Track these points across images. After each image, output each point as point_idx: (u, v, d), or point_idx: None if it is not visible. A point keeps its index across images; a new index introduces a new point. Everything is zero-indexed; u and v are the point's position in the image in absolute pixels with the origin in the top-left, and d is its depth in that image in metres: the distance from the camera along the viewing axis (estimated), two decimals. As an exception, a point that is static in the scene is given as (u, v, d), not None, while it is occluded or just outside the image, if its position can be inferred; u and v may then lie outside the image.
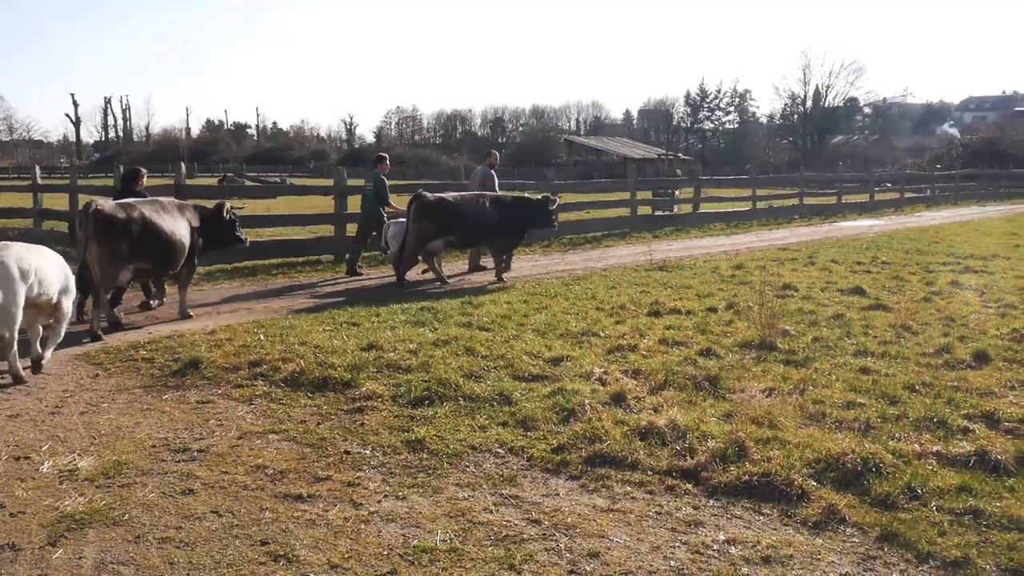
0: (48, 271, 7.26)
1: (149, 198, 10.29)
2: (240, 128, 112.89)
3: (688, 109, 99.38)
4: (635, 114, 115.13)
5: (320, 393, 6.69)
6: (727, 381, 6.93)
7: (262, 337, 8.38)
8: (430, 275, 13.29)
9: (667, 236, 21.13)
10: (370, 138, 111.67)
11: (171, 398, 6.68)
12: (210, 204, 10.84)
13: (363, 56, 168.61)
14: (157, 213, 9.61)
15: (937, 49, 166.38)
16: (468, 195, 13.36)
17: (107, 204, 9.32)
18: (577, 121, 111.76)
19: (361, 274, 13.96)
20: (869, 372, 7.29)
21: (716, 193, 28.47)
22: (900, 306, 10.15)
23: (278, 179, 56.57)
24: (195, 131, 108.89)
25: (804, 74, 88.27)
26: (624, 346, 8.14)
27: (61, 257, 7.68)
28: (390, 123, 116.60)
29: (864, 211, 30.66)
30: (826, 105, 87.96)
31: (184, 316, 10.04)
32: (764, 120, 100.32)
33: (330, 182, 16.70)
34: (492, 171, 15.27)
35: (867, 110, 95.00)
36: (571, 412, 6.10)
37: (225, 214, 10.80)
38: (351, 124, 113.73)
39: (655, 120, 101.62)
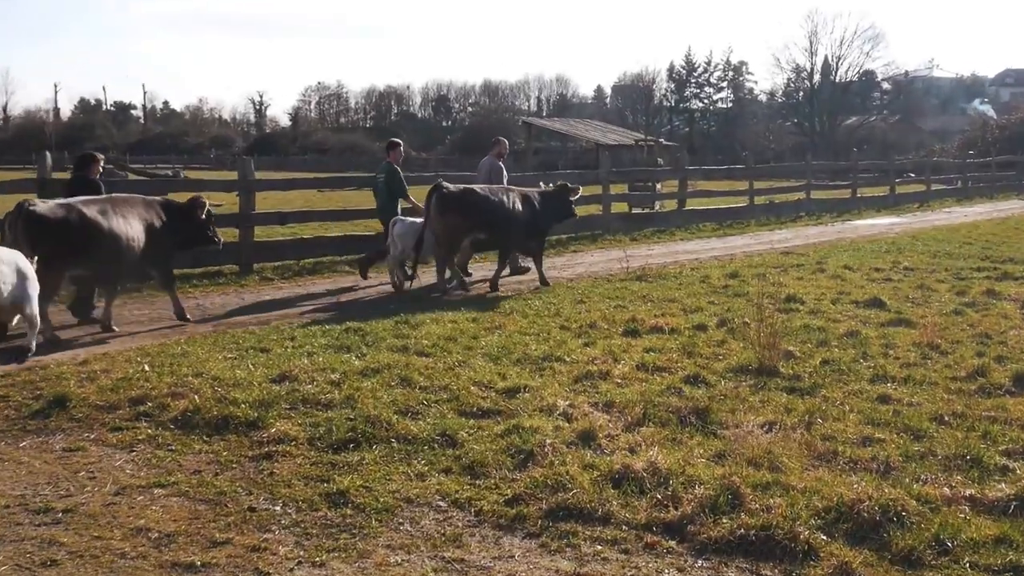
0: None
1: (104, 195, 10.75)
2: (123, 109, 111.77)
3: (672, 85, 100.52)
4: (608, 91, 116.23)
5: (219, 436, 6.61)
6: (719, 414, 6.97)
7: (147, 368, 8.26)
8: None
9: (647, 238, 21.30)
10: (285, 121, 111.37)
11: (30, 445, 6.54)
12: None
13: (276, 19, 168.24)
14: (104, 213, 9.92)
15: (968, 14, 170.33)
16: (495, 187, 13.81)
17: (43, 204, 9.67)
18: (538, 100, 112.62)
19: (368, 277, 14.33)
20: (889, 401, 7.39)
21: (706, 186, 28.78)
22: (926, 321, 10.32)
23: (170, 171, 56.00)
24: (66, 112, 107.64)
25: (810, 43, 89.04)
26: (594, 373, 8.16)
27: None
28: (309, 102, 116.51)
29: (883, 207, 31.23)
30: (837, 80, 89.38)
31: (107, 328, 10.38)
32: (763, 98, 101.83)
33: (234, 175, 16.56)
34: (500, 162, 15.78)
35: (886, 86, 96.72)
36: (529, 455, 6.09)
37: (201, 212, 11.24)
38: (261, 104, 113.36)
39: (632, 98, 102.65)
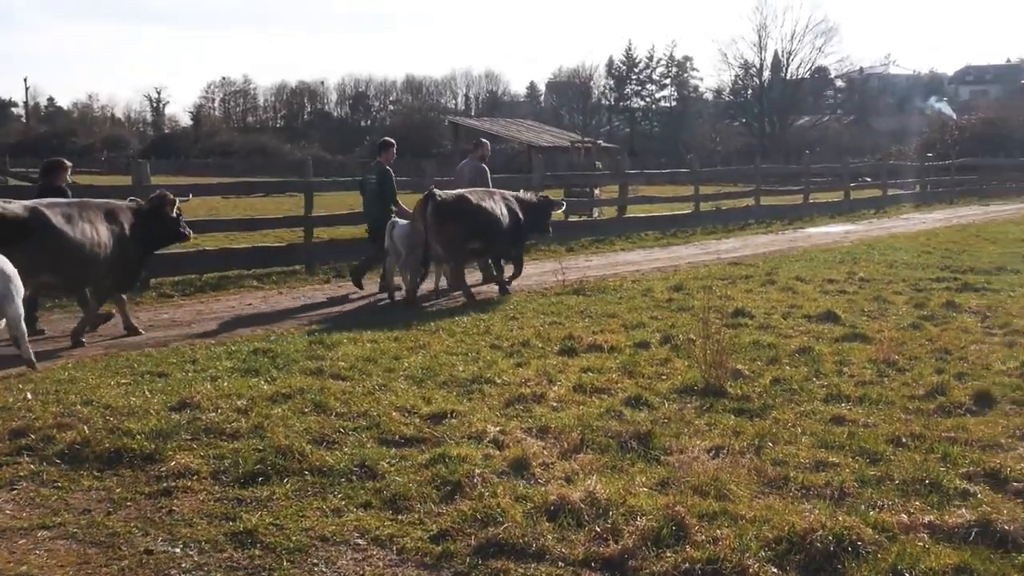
0: None
1: (69, 199, 11.32)
2: (2, 106, 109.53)
3: (611, 82, 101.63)
4: (542, 89, 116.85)
5: (111, 471, 6.51)
6: (662, 439, 7.04)
7: (29, 396, 8.11)
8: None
9: (585, 248, 21.44)
10: (185, 120, 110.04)
11: None
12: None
13: (176, 7, 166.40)
14: (69, 218, 10.51)
15: (927, 7, 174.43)
16: (482, 192, 14.43)
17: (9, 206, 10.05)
18: (466, 98, 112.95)
19: (363, 288, 14.98)
20: (844, 422, 7.53)
21: (648, 192, 29.17)
22: (883, 336, 10.54)
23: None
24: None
25: (760, 37, 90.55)
26: (528, 396, 8.20)
27: None
28: (212, 100, 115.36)
29: (837, 213, 31.81)
30: (788, 77, 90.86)
31: (76, 344, 10.88)
32: (710, 96, 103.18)
33: (128, 180, 16.34)
34: (484, 165, 16.47)
35: (840, 83, 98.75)
36: (456, 486, 6.10)
37: (172, 210, 12.05)
38: (159, 101, 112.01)
39: (568, 97, 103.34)
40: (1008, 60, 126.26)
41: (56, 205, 10.59)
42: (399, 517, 5.75)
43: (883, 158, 57.93)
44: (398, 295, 13.98)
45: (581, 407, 7.93)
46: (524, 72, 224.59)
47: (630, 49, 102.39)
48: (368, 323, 11.74)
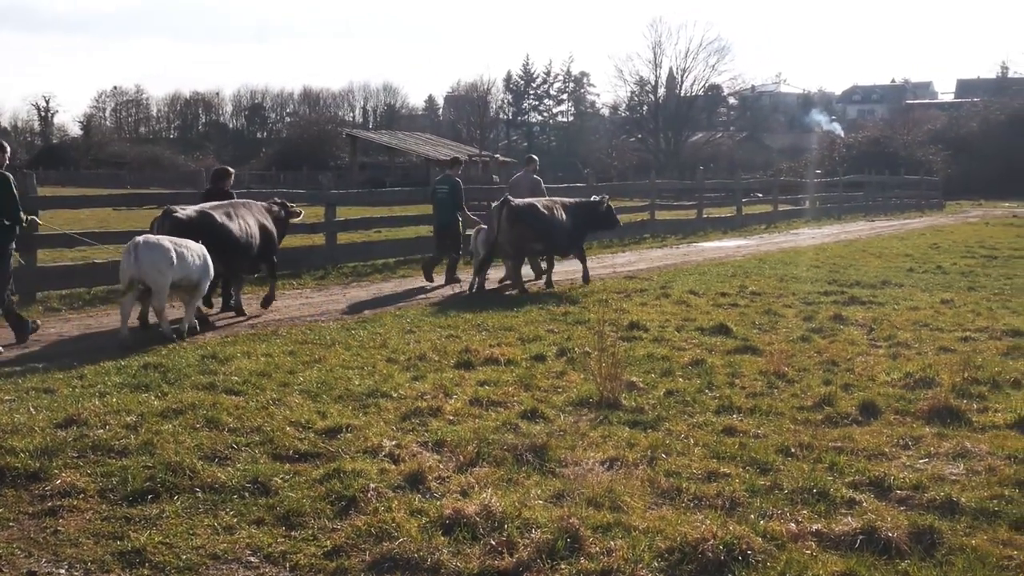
0: None
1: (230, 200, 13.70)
2: None
3: (509, 96, 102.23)
4: (441, 102, 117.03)
5: (-7, 490, 6.31)
6: (558, 451, 7.08)
7: (-93, 413, 7.82)
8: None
9: (483, 262, 21.42)
10: (75, 129, 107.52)
11: None
12: None
13: (64, 14, 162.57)
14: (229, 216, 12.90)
15: (816, 29, 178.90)
16: (547, 201, 16.79)
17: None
18: (364, 110, 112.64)
19: (432, 281, 16.83)
20: (735, 433, 7.67)
21: (546, 206, 29.14)
22: (773, 348, 10.76)
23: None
24: None
25: (655, 54, 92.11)
26: (424, 409, 8.18)
27: None
28: (104, 109, 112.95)
29: (730, 228, 32.38)
30: (682, 94, 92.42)
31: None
32: (606, 112, 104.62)
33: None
34: (537, 176, 19.04)
35: (732, 101, 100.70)
36: (351, 501, 6.06)
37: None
38: (47, 110, 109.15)
39: (466, 110, 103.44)
40: (893, 80, 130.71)
41: (219, 207, 13.05)
42: (293, 533, 5.69)
43: (774, 174, 59.22)
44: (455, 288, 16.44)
45: (477, 420, 7.93)
46: (423, 85, 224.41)
47: (528, 64, 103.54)
48: (261, 338, 11.56)
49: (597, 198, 17.77)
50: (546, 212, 16.09)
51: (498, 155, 70.99)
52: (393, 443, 7.20)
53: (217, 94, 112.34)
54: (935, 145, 65.82)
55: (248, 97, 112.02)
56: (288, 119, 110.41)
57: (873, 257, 22.25)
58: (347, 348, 10.85)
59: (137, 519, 5.84)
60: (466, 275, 17.02)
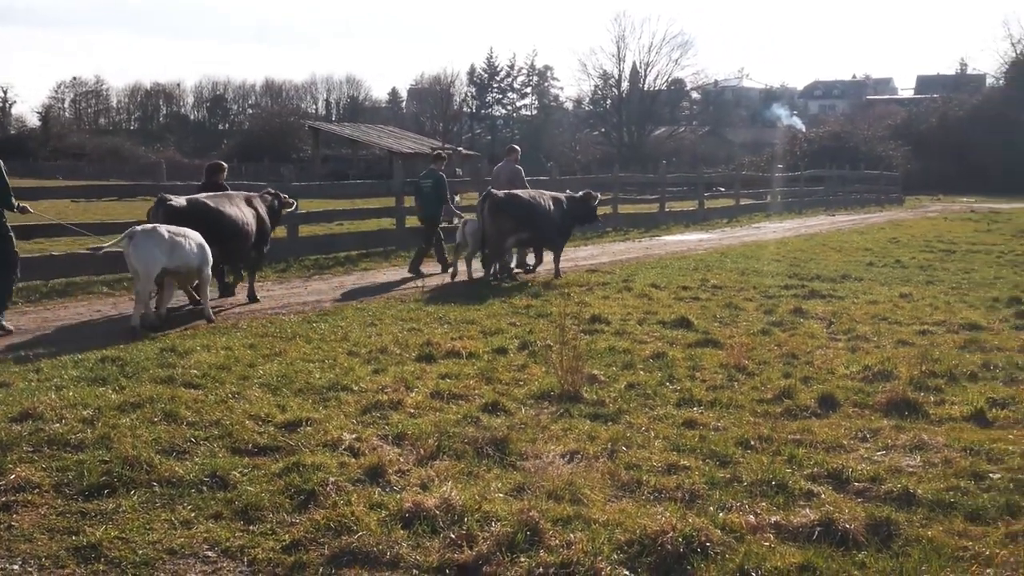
0: None
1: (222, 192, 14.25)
2: None
3: (473, 90, 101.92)
4: (404, 95, 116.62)
5: (-54, 485, 6.22)
6: (518, 444, 7.08)
7: None
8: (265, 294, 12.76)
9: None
10: (33, 120, 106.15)
11: None
12: None
13: (22, 2, 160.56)
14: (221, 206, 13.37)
15: (777, 24, 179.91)
16: (532, 192, 17.36)
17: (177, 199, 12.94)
18: (327, 103, 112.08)
19: (423, 274, 17.25)
20: (695, 426, 7.69)
21: (509, 199, 29.12)
22: (733, 341, 10.80)
23: None
24: None
25: (618, 48, 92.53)
26: (385, 403, 8.16)
27: None
28: (63, 100, 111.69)
29: (692, 222, 32.52)
30: (646, 88, 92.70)
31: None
32: (570, 106, 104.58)
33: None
34: (518, 167, 19.42)
35: (695, 95, 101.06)
36: (311, 495, 6.03)
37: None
38: (4, 100, 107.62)
39: (430, 103, 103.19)
40: (854, 76, 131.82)
41: (212, 196, 13.59)
42: (251, 528, 5.64)
43: (736, 169, 59.61)
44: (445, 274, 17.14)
45: (438, 413, 7.91)
46: (386, 78, 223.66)
47: (492, 57, 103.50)
48: (222, 331, 11.48)
49: (581, 193, 18.00)
50: (530, 201, 16.53)
51: (461, 148, 70.89)
52: (353, 436, 7.17)
53: (178, 85, 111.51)
54: (895, 140, 66.44)
55: (210, 89, 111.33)
56: (250, 111, 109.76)
57: (833, 251, 22.41)
58: (308, 341, 10.80)
59: (93, 514, 5.78)
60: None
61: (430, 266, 17.97)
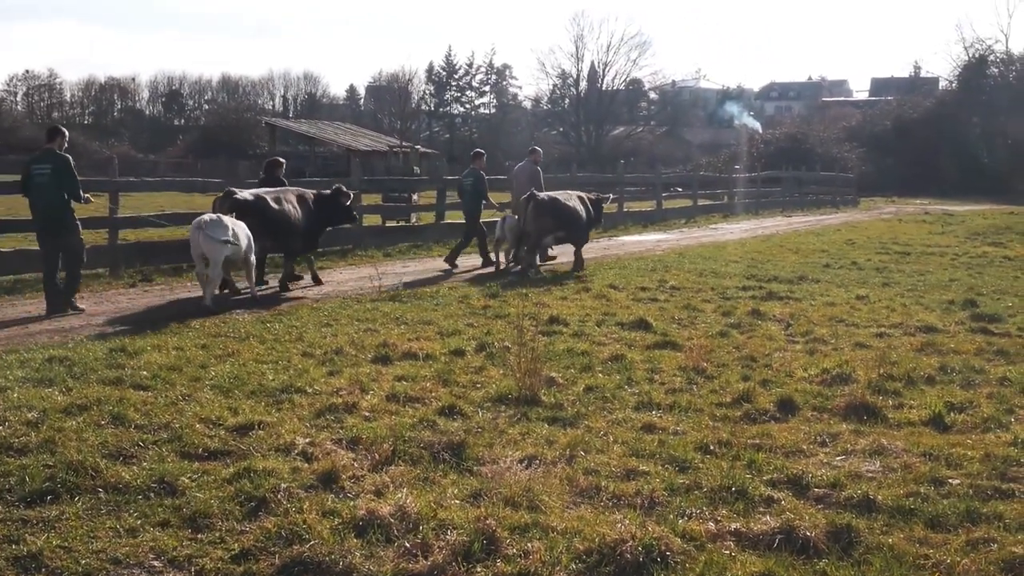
0: None
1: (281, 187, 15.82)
2: None
3: (431, 87, 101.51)
4: (362, 92, 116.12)
5: None
6: (475, 449, 6.97)
7: None
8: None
9: (402, 254, 21.26)
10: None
11: None
12: None
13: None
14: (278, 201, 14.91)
15: (735, 26, 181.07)
16: (565, 194, 18.75)
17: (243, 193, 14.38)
18: (284, 99, 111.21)
19: (457, 266, 18.67)
20: (654, 430, 7.62)
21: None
22: (692, 343, 10.75)
23: None
24: None
25: (577, 47, 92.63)
26: (339, 405, 8.03)
27: None
28: (15, 93, 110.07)
29: (650, 222, 32.52)
30: (604, 88, 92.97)
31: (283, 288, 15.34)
32: (528, 105, 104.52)
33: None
34: (538, 168, 20.31)
35: (653, 95, 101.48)
36: (262, 502, 5.89)
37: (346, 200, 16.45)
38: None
39: (388, 101, 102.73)
40: (809, 78, 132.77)
41: (271, 192, 15.04)
42: (199, 536, 5.49)
43: (694, 169, 59.79)
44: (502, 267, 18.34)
45: (394, 417, 7.78)
46: (344, 75, 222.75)
47: (450, 55, 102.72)
48: (174, 331, 11.27)
49: (595, 195, 19.72)
50: (567, 204, 18.09)
51: (419, 146, 70.48)
52: (306, 441, 7.04)
53: (133, 80, 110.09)
54: (850, 142, 66.84)
55: (165, 83, 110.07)
56: (206, 107, 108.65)
57: (790, 252, 22.48)
58: (262, 342, 10.63)
59: (35, 521, 5.60)
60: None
61: (430, 264, 17.77)
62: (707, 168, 61.69)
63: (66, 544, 5.31)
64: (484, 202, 19.79)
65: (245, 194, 14.44)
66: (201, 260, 12.91)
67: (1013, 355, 10.64)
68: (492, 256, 18.92)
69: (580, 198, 18.77)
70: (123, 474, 6.24)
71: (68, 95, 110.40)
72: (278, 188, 15.63)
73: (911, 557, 5.35)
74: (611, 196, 20.31)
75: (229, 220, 13.15)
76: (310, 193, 15.92)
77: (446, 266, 18.67)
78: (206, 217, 13.05)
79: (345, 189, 16.51)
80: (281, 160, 17.99)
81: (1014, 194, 57.15)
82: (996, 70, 76.78)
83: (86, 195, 13.40)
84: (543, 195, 17.89)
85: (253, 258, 13.81)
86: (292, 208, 15.04)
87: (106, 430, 7.14)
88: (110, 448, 6.72)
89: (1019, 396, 8.81)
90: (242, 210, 13.85)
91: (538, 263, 18.66)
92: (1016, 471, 6.77)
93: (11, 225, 16.69)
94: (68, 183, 12.79)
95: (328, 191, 16.23)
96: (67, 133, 13.51)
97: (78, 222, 13.12)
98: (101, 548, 5.30)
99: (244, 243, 13.35)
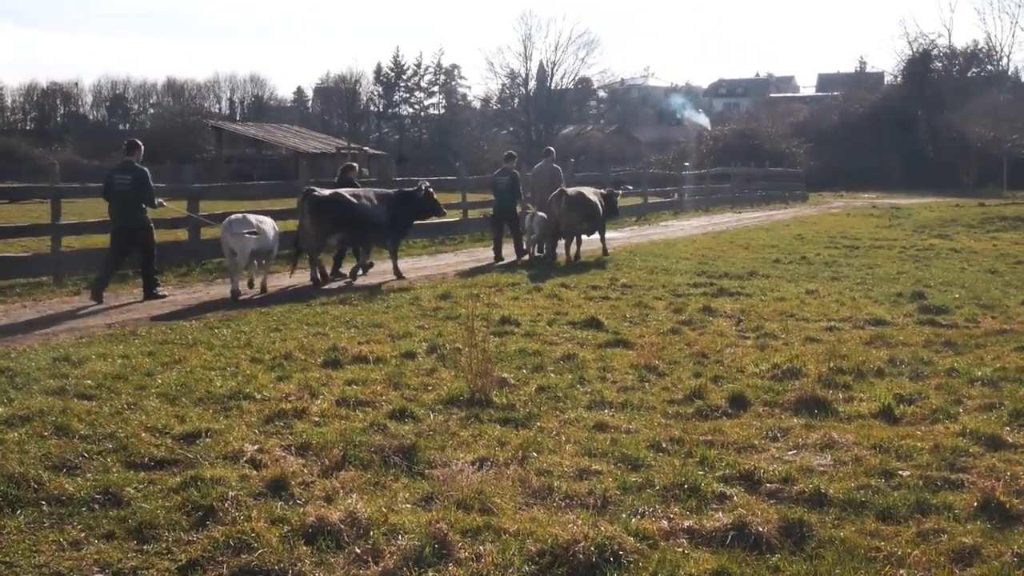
0: None
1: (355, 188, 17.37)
2: None
3: (380, 89, 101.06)
4: (310, 94, 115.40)
5: None
6: (427, 452, 6.94)
7: None
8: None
9: (350, 257, 21.11)
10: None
11: None
12: None
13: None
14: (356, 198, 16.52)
15: (682, 23, 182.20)
16: (590, 189, 21.13)
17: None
18: (231, 102, 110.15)
19: (503, 259, 20.28)
20: (606, 429, 7.61)
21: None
22: (644, 341, 10.78)
23: None
24: None
25: (525, 47, 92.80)
26: (288, 411, 7.95)
27: None
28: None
29: (601, 220, 32.51)
30: (553, 87, 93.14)
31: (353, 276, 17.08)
32: (478, 105, 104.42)
33: None
34: (557, 166, 22.46)
35: (602, 94, 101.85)
36: (209, 511, 5.82)
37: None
38: None
39: (336, 102, 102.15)
40: (757, 74, 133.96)
41: (347, 190, 16.73)
42: (145, 547, 5.41)
43: (643, 167, 59.97)
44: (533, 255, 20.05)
45: (344, 421, 7.72)
46: (291, 77, 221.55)
47: (398, 56, 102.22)
48: (118, 339, 11.12)
49: (608, 190, 21.87)
50: (592, 199, 20.10)
51: (367, 148, 70.28)
52: (255, 447, 6.96)
53: (76, 84, 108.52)
54: (798, 137, 67.35)
55: (109, 88, 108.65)
56: (152, 111, 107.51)
57: (740, 248, 22.63)
58: (209, 348, 10.51)
59: (-25, 537, 5.49)
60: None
61: (426, 263, 17.67)
62: (657, 166, 61.82)
63: (7, 559, 5.22)
64: (518, 200, 21.58)
65: (323, 192, 16.29)
66: (230, 253, 14.67)
67: (960, 346, 10.77)
68: (525, 248, 20.54)
69: (596, 193, 20.76)
70: (66, 486, 6.13)
71: (9, 100, 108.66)
72: (354, 188, 17.25)
73: (863, 550, 5.38)
74: (620, 191, 22.91)
75: (254, 217, 14.94)
76: (392, 192, 17.71)
77: (433, 265, 18.85)
78: (234, 216, 14.92)
79: (429, 187, 17.94)
80: (354, 165, 20.26)
81: (959, 187, 58.10)
82: (940, 64, 77.89)
83: (160, 200, 15.10)
84: (571, 191, 19.99)
85: (275, 252, 15.78)
86: (369, 204, 16.51)
87: (49, 441, 7.01)
88: (53, 459, 6.60)
89: (967, 387, 8.91)
90: (318, 205, 15.74)
91: (557, 253, 20.33)
92: (965, 461, 6.85)
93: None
94: (146, 192, 14.55)
95: (414, 188, 17.77)
96: (142, 146, 15.12)
97: (152, 224, 15.01)
98: (43, 562, 5.20)
99: (271, 235, 15.23)
